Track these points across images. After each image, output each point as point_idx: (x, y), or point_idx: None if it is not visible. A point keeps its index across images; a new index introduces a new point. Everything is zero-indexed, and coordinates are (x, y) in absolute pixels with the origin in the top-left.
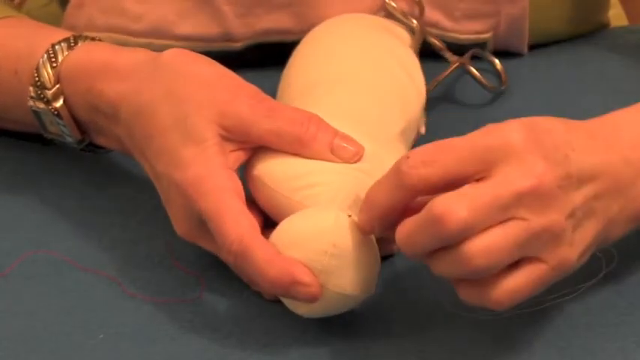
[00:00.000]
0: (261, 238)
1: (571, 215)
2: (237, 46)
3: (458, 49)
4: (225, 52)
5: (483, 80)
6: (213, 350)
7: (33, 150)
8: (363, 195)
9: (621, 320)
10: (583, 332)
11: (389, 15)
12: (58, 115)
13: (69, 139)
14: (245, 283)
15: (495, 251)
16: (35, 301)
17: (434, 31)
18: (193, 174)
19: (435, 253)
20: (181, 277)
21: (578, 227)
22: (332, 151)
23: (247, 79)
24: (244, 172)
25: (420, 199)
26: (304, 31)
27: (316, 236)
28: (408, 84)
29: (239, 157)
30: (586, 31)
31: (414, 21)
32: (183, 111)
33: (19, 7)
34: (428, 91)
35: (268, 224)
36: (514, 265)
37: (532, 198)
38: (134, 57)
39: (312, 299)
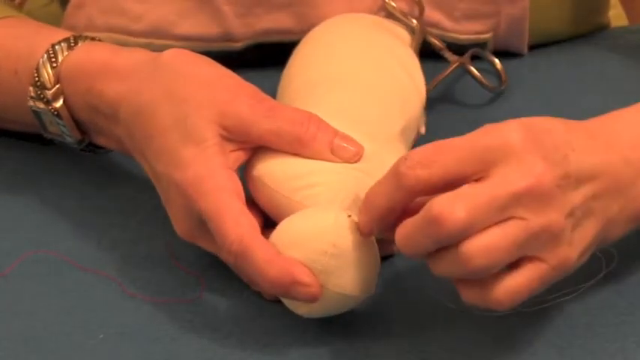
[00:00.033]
0: (261, 238)
1: (570, 215)
2: (237, 46)
3: (458, 49)
4: (225, 52)
5: (483, 80)
6: (213, 350)
7: (33, 150)
8: (363, 195)
9: (621, 320)
10: (583, 332)
11: (389, 15)
12: (58, 115)
13: (69, 139)
14: (245, 283)
15: (494, 251)
16: (35, 301)
17: (434, 31)
18: (193, 174)
19: (435, 254)
20: (181, 277)
21: (577, 227)
22: (332, 151)
23: (247, 79)
24: (244, 172)
25: (419, 199)
26: (304, 31)
27: (316, 236)
28: (408, 84)
29: (239, 157)
30: (586, 32)
31: (414, 21)
32: (183, 111)
33: (19, 7)
34: (428, 91)
35: (268, 224)
36: (514, 264)
37: (531, 198)
38: (134, 57)
39: (312, 299)
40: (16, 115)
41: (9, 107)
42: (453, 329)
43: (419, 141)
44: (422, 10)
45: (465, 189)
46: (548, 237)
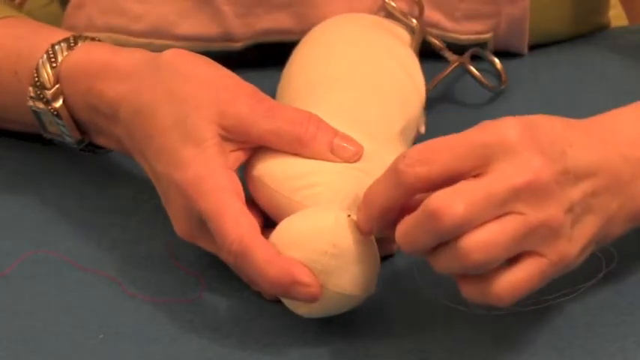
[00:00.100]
0: (261, 238)
1: (569, 210)
2: (237, 46)
3: (458, 49)
4: (225, 52)
5: (483, 80)
6: (213, 350)
7: (33, 150)
8: (363, 195)
9: (621, 320)
10: (583, 332)
11: (389, 15)
12: (58, 116)
13: (68, 139)
14: (245, 283)
15: (493, 246)
16: (35, 301)
17: (434, 31)
18: (193, 174)
19: (435, 250)
20: (181, 277)
21: (577, 223)
22: (332, 151)
23: (247, 79)
24: (244, 172)
25: (418, 197)
26: (304, 31)
27: (316, 236)
28: (407, 83)
29: (239, 157)
30: (586, 32)
31: (414, 20)
32: (183, 111)
33: (19, 7)
34: (428, 91)
35: (268, 224)
36: (514, 260)
37: (529, 193)
38: (134, 57)
39: (312, 299)
40: (16, 115)
41: (9, 107)
42: (452, 329)
43: (418, 140)
44: (422, 10)
45: (464, 184)
46: (547, 232)
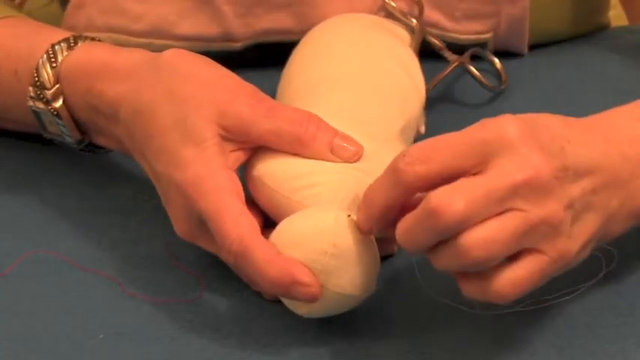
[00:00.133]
0: (261, 238)
1: (569, 207)
2: (237, 46)
3: (458, 49)
4: (225, 52)
5: (483, 79)
6: (213, 350)
7: (33, 150)
8: (363, 194)
9: (621, 321)
10: (583, 332)
11: (389, 15)
12: (58, 115)
13: (68, 139)
14: (245, 283)
15: (493, 242)
16: (35, 301)
17: (434, 31)
18: (193, 174)
19: (435, 248)
20: (181, 277)
21: (577, 221)
22: (332, 151)
23: (247, 79)
24: (244, 172)
25: (418, 196)
26: (304, 31)
27: (316, 236)
28: (407, 83)
29: (239, 157)
30: (586, 32)
31: (414, 20)
32: (183, 111)
33: (19, 7)
34: (427, 91)
35: (268, 224)
36: (514, 257)
37: (528, 189)
38: (134, 57)
39: (312, 299)
40: (16, 115)
41: (9, 107)
42: (453, 329)
43: (418, 140)
44: (421, 10)
45: (463, 182)
46: (547, 229)
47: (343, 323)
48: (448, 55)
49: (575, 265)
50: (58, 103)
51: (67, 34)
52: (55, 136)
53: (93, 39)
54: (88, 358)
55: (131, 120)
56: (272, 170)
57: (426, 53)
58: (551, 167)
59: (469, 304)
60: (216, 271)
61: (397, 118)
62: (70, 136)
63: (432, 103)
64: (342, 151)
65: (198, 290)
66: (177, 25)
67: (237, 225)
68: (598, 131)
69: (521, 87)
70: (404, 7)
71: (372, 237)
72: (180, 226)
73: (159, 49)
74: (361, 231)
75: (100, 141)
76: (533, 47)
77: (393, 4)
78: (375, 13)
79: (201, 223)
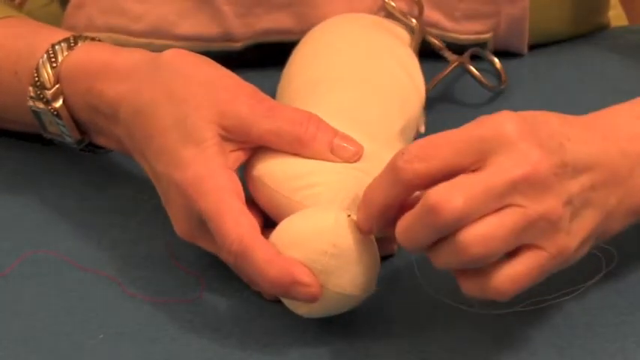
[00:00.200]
0: (261, 238)
1: (568, 203)
2: (237, 46)
3: (458, 49)
4: (225, 52)
5: (483, 79)
6: (213, 350)
7: (33, 150)
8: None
9: (621, 320)
10: (583, 332)
11: (388, 15)
12: (58, 115)
13: (68, 139)
14: (245, 283)
15: (492, 239)
16: (35, 301)
17: (434, 31)
18: (193, 174)
19: (435, 245)
20: (181, 277)
21: (576, 217)
22: (332, 151)
23: (247, 79)
24: (244, 172)
25: (417, 194)
26: (304, 31)
27: (316, 236)
28: (407, 83)
29: (239, 157)
30: (586, 32)
31: (414, 20)
32: (182, 111)
33: (19, 7)
34: (427, 91)
35: (268, 224)
36: (513, 253)
37: (527, 185)
38: (134, 57)
39: (312, 299)
40: (16, 115)
41: (9, 107)
42: (452, 329)
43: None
44: (421, 10)
45: (462, 178)
46: (546, 224)
47: (343, 323)
48: (448, 55)
49: (573, 261)
50: (58, 103)
51: (67, 34)
52: (55, 136)
53: (93, 39)
54: (88, 358)
55: (131, 120)
56: (272, 170)
57: (426, 53)
58: (550, 163)
59: (469, 303)
60: (216, 271)
61: (397, 118)
62: (70, 136)
63: (432, 103)
64: (342, 151)
65: (198, 290)
66: (177, 25)
67: (237, 225)
68: (597, 128)
69: (521, 87)
70: (404, 7)
71: (372, 237)
72: (180, 226)
73: (159, 49)
74: (361, 231)
75: (100, 141)
76: (533, 47)
77: (392, 4)
78: (375, 13)
79: (201, 223)
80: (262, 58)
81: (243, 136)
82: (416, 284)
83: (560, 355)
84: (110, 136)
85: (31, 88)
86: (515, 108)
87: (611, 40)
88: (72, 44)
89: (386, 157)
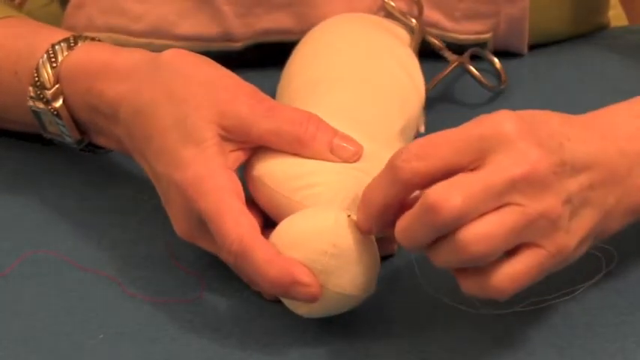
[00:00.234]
0: (261, 238)
1: (567, 202)
2: (237, 46)
3: (458, 49)
4: (225, 52)
5: (483, 79)
6: (213, 350)
7: (33, 150)
8: None
9: (621, 320)
10: (583, 332)
11: (388, 15)
12: (58, 115)
13: (68, 139)
14: (245, 283)
15: (491, 237)
16: (35, 301)
17: (434, 31)
18: (193, 174)
19: (434, 244)
20: (181, 277)
21: (575, 216)
22: (331, 151)
23: (247, 79)
24: (244, 172)
25: (417, 194)
26: (304, 31)
27: (316, 236)
28: (407, 83)
29: (239, 157)
30: (586, 32)
31: (413, 20)
32: (182, 111)
33: (19, 7)
34: (427, 90)
35: (268, 224)
36: (512, 252)
37: (526, 184)
38: (134, 57)
39: (312, 299)
40: (16, 115)
41: (9, 107)
42: (452, 329)
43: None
44: (421, 10)
45: (461, 177)
46: (545, 223)
47: (343, 323)
48: (448, 55)
49: (572, 260)
50: (58, 103)
51: (67, 34)
52: (55, 136)
53: (93, 39)
54: (88, 358)
55: (131, 120)
56: (272, 170)
57: (426, 53)
58: (549, 162)
59: (469, 303)
60: (216, 271)
61: (397, 118)
62: (69, 136)
63: (432, 103)
64: (342, 151)
65: (198, 290)
66: (177, 25)
67: (237, 225)
68: (596, 128)
69: (521, 87)
70: (403, 7)
71: (372, 237)
72: (180, 226)
73: (159, 49)
74: (361, 231)
75: (100, 141)
76: (533, 47)
77: (392, 4)
78: (375, 13)
79: (201, 223)
80: (262, 58)
81: (243, 136)
82: (416, 284)
83: (560, 355)
84: (110, 136)
85: (31, 88)
86: (515, 108)
87: (611, 40)
88: (72, 44)
89: (386, 157)
